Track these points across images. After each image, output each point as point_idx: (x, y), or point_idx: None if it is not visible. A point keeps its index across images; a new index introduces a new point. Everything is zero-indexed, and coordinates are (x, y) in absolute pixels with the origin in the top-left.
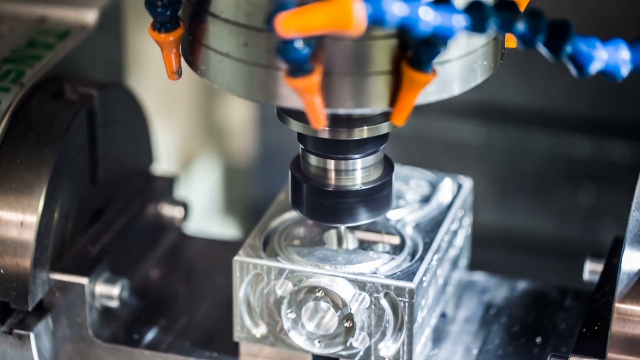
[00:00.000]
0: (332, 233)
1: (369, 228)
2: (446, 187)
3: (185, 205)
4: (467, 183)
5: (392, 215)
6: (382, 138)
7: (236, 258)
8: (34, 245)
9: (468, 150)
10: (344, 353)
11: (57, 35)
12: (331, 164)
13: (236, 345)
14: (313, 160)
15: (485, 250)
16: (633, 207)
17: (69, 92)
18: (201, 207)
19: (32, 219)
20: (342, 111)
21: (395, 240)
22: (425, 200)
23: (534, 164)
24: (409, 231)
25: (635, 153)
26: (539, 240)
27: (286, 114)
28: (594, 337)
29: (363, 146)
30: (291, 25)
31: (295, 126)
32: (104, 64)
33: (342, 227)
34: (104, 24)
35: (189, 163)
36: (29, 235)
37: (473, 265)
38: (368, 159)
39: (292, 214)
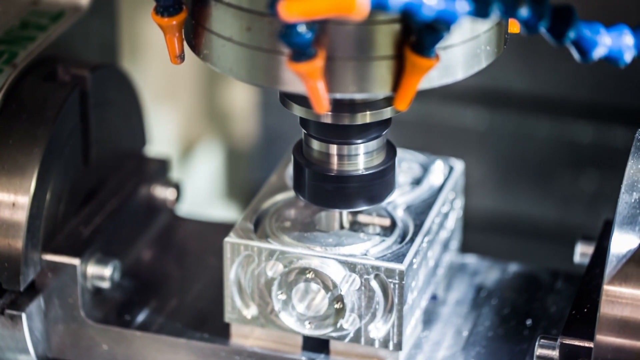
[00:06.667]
0: (323, 215)
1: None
2: (437, 170)
3: (177, 187)
4: (459, 165)
5: None
6: (385, 123)
7: (227, 239)
8: (25, 226)
9: (471, 135)
10: (334, 334)
11: (51, 16)
12: (334, 148)
13: (227, 327)
14: (315, 145)
15: (488, 236)
16: (622, 190)
17: (62, 74)
18: (203, 191)
19: (24, 199)
20: (344, 96)
21: (386, 222)
22: (417, 182)
23: (536, 149)
24: (399, 213)
25: None
26: (541, 226)
27: (289, 98)
28: (583, 319)
29: (366, 131)
30: (294, 9)
31: (298, 111)
32: (97, 45)
33: (345, 211)
34: (98, 5)
35: (191, 147)
36: (21, 216)
37: (474, 250)
38: (371, 144)
39: (283, 196)
